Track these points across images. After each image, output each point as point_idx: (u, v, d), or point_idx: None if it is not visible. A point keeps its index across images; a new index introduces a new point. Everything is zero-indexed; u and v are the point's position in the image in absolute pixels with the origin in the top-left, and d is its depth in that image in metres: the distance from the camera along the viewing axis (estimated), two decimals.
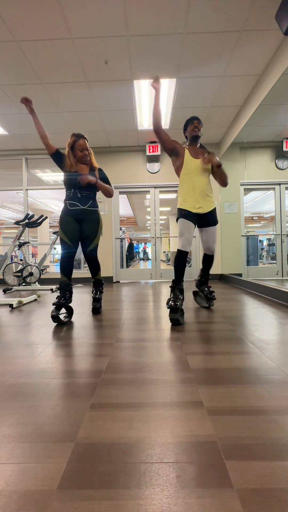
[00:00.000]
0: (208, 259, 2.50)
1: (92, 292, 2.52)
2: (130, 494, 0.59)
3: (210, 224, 2.35)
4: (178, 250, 2.22)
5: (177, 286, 2.15)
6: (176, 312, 2.02)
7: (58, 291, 2.34)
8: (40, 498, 0.59)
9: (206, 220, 2.33)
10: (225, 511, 0.55)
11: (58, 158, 2.34)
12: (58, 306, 2.14)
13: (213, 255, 2.47)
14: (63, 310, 2.32)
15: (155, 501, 0.58)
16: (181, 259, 2.20)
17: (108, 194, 2.36)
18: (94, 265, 2.43)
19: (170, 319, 2.01)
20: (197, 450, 0.72)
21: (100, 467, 0.67)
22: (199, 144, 2.39)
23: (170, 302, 2.06)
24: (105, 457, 0.71)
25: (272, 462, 0.68)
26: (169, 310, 2.16)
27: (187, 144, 2.38)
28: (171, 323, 2.02)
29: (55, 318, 2.11)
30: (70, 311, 2.30)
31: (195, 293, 2.74)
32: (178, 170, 2.34)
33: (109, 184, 2.39)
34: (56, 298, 2.19)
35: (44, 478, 0.64)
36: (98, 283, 2.52)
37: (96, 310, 2.44)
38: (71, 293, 2.27)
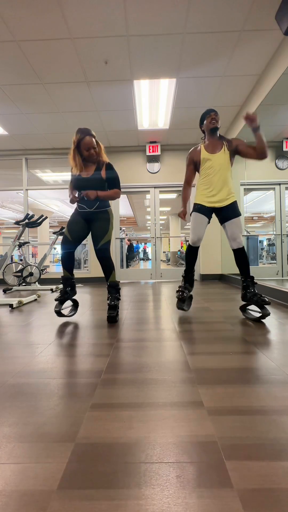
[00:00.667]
0: (239, 255, 2.16)
1: (108, 299, 2.26)
2: (130, 494, 0.59)
3: (232, 217, 2.16)
4: (188, 244, 2.30)
5: (187, 276, 2.34)
6: (183, 302, 2.29)
7: (59, 289, 2.31)
8: (40, 498, 0.59)
9: (227, 213, 2.17)
10: (225, 511, 0.55)
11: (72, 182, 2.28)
12: (61, 301, 2.19)
13: (243, 248, 2.16)
14: (68, 304, 2.42)
15: (155, 501, 0.58)
16: (191, 253, 2.30)
17: (112, 199, 2.26)
18: (105, 265, 2.25)
19: (177, 307, 2.31)
20: (197, 450, 0.72)
21: (100, 467, 0.67)
22: (218, 136, 2.26)
23: (179, 292, 2.31)
24: (105, 457, 0.71)
25: (272, 462, 0.68)
26: (177, 299, 2.33)
27: (205, 138, 2.29)
28: (177, 308, 2.33)
29: (58, 313, 2.17)
30: (75, 304, 2.36)
31: (242, 308, 2.25)
32: (198, 169, 2.32)
33: (117, 182, 2.25)
34: (59, 293, 2.24)
35: (44, 478, 0.64)
36: (113, 287, 2.27)
37: (112, 318, 2.15)
38: (73, 287, 2.28)
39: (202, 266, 5.27)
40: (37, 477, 0.65)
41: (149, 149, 5.13)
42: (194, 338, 1.67)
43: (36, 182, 6.16)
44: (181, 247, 15.10)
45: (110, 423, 0.85)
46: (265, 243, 9.23)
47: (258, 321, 2.04)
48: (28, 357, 1.42)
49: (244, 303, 2.22)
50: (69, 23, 2.47)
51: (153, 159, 5.27)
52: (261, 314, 2.02)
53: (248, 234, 6.70)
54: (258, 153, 2.08)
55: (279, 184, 5.29)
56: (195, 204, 2.28)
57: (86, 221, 2.26)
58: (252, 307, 2.27)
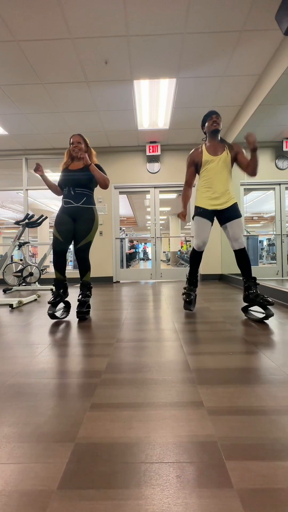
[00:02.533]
0: (241, 256, 2.15)
1: (79, 295, 2.29)
2: (130, 494, 0.59)
3: (234, 218, 2.16)
4: (193, 249, 2.33)
5: (191, 279, 2.44)
6: (189, 304, 2.41)
7: (52, 292, 2.30)
8: (40, 498, 0.59)
9: (228, 214, 2.17)
10: (225, 511, 0.55)
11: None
12: (53, 303, 2.18)
13: (245, 249, 2.16)
14: (60, 306, 2.36)
15: (155, 501, 0.58)
16: (195, 257, 2.36)
17: (103, 182, 2.28)
18: (82, 264, 2.29)
19: (184, 308, 2.45)
20: (197, 450, 0.72)
21: (100, 467, 0.67)
22: (219, 138, 2.27)
23: (185, 296, 2.44)
24: (105, 457, 0.71)
25: (272, 462, 0.68)
26: (184, 302, 2.46)
27: (206, 140, 2.29)
28: (184, 309, 2.47)
29: (52, 316, 2.16)
30: (67, 306, 2.33)
31: (245, 310, 2.24)
32: (199, 170, 2.33)
33: (105, 173, 2.32)
34: (52, 295, 2.22)
35: (44, 478, 0.64)
36: (85, 286, 2.32)
37: (80, 314, 2.19)
38: (65, 289, 2.29)
39: (202, 266, 5.27)
40: (37, 477, 0.65)
41: (149, 149, 5.12)
42: (194, 338, 1.67)
43: (36, 182, 6.15)
44: (181, 247, 15.10)
45: (110, 423, 0.85)
46: (265, 243, 9.23)
47: (260, 321, 2.03)
48: (28, 357, 1.42)
49: (246, 304, 2.21)
50: (69, 23, 2.47)
51: (153, 159, 5.27)
52: (264, 315, 2.00)
53: (248, 234, 6.70)
54: (250, 170, 2.09)
55: (279, 184, 5.29)
56: (197, 208, 2.27)
57: (72, 218, 2.27)
58: (255, 308, 2.26)
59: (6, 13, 2.37)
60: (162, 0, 2.28)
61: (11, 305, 2.83)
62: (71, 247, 2.59)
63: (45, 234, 11.39)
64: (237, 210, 2.19)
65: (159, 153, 5.13)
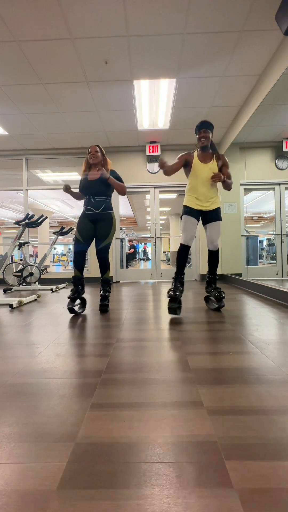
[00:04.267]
0: (212, 257, 2.51)
1: (100, 291, 2.56)
2: (130, 494, 0.59)
3: (214, 220, 2.43)
4: (180, 244, 2.39)
5: (178, 278, 2.35)
6: (174, 302, 2.22)
7: (71, 288, 2.50)
8: (40, 498, 0.59)
9: (210, 216, 2.43)
10: (225, 511, 0.55)
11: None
12: (72, 299, 2.39)
13: (217, 251, 2.49)
14: (77, 302, 2.56)
15: (155, 501, 0.58)
16: (183, 253, 2.37)
17: (121, 190, 2.49)
18: (103, 264, 2.52)
19: (168, 307, 2.24)
20: (197, 450, 0.72)
21: (100, 467, 0.67)
22: (209, 148, 2.42)
23: (170, 292, 2.26)
24: (105, 457, 0.71)
25: (272, 462, 0.68)
26: (168, 299, 2.26)
27: (198, 148, 2.45)
28: (168, 312, 2.24)
29: (71, 310, 2.37)
30: (83, 302, 2.58)
31: (206, 299, 2.66)
32: (187, 173, 2.47)
33: (122, 181, 2.51)
34: (71, 291, 2.42)
35: (44, 478, 0.64)
36: (106, 282, 2.56)
37: (104, 307, 2.50)
38: (83, 286, 2.50)
39: (202, 266, 5.27)
40: (37, 477, 0.65)
41: (149, 149, 5.12)
42: (194, 338, 1.67)
43: (36, 182, 6.16)
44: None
45: (110, 423, 0.85)
46: (265, 243, 9.23)
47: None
48: (28, 357, 1.42)
49: (206, 294, 2.65)
50: (69, 23, 2.48)
51: (153, 159, 5.27)
52: (217, 306, 2.46)
53: (248, 234, 6.70)
54: (224, 187, 2.40)
55: (279, 184, 5.29)
56: (184, 207, 2.45)
57: (92, 223, 2.50)
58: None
59: (6, 13, 2.37)
60: (162, 0, 2.28)
61: (11, 305, 2.83)
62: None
63: (45, 234, 11.39)
64: (219, 214, 2.46)
65: (159, 153, 5.13)
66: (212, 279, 2.56)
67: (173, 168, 2.36)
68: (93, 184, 2.45)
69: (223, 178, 2.28)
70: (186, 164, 2.43)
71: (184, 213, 2.43)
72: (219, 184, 2.45)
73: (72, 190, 2.50)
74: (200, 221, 2.50)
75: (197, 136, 2.39)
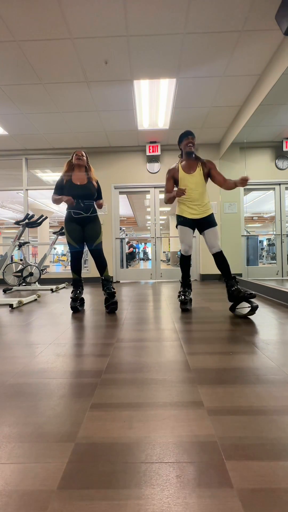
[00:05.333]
0: (219, 259, 2.33)
1: (105, 290, 2.53)
2: (130, 494, 0.59)
3: (210, 226, 2.44)
4: (181, 254, 2.53)
5: (184, 283, 2.57)
6: (185, 304, 2.50)
7: (72, 290, 2.68)
8: (40, 498, 0.59)
9: (204, 224, 2.45)
10: (225, 511, 0.55)
11: (60, 189, 2.56)
12: (74, 298, 2.56)
13: (221, 252, 2.35)
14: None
15: (155, 501, 0.58)
16: (185, 262, 2.53)
17: (100, 206, 2.66)
18: (100, 261, 2.57)
19: (181, 309, 2.49)
20: (197, 450, 0.72)
21: (100, 467, 0.67)
22: (194, 157, 2.48)
23: (181, 296, 2.53)
24: (105, 457, 0.71)
25: (272, 462, 0.68)
26: (180, 302, 2.55)
27: (182, 157, 2.52)
28: (182, 311, 2.44)
29: (74, 308, 2.53)
30: (82, 301, 2.71)
31: (232, 309, 2.33)
32: (175, 186, 2.54)
33: (101, 196, 2.69)
34: (72, 292, 2.60)
35: (44, 478, 0.64)
36: (107, 280, 2.57)
37: (113, 305, 2.46)
38: (82, 287, 2.67)
39: (202, 266, 5.27)
40: (37, 477, 0.65)
41: (149, 149, 5.12)
42: (194, 338, 1.67)
43: (36, 182, 6.16)
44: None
45: (110, 423, 0.85)
46: (265, 243, 9.23)
47: (246, 317, 2.17)
48: (28, 357, 1.42)
49: (231, 303, 2.32)
50: (69, 23, 2.47)
51: (153, 159, 5.27)
52: (250, 308, 2.12)
53: (248, 234, 6.70)
54: (226, 187, 2.39)
55: (279, 184, 5.29)
56: (178, 217, 2.53)
57: (80, 225, 2.57)
58: (241, 304, 2.32)
59: (6, 13, 2.37)
60: (162, 0, 2.28)
61: (11, 305, 2.83)
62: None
63: (45, 234, 11.39)
64: (213, 220, 2.45)
65: (159, 153, 5.13)
66: (233, 282, 2.25)
67: (170, 192, 2.50)
68: (82, 188, 2.50)
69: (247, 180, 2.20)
70: (175, 181, 2.51)
71: (178, 223, 2.52)
72: (217, 187, 2.52)
73: (55, 197, 2.51)
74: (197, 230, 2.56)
75: (184, 143, 2.45)
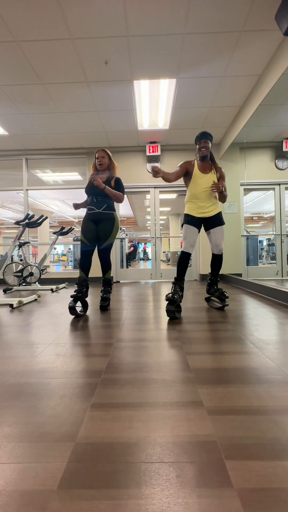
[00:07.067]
0: (216, 260, 2.59)
1: (101, 291, 2.64)
2: (130, 494, 0.59)
3: (217, 225, 2.49)
4: (181, 251, 2.48)
5: (177, 283, 2.36)
6: (172, 305, 2.19)
7: (74, 289, 2.59)
8: (40, 498, 0.59)
9: (212, 222, 2.50)
10: (225, 511, 0.55)
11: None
12: (75, 298, 2.37)
13: (221, 255, 2.56)
14: (78, 304, 2.57)
15: (155, 501, 0.58)
16: (183, 259, 2.43)
17: (117, 199, 2.55)
18: (104, 264, 2.59)
19: (166, 310, 2.20)
20: (197, 450, 0.72)
21: (100, 467, 0.67)
22: (208, 159, 2.50)
23: (169, 295, 2.25)
24: (105, 457, 0.71)
25: (272, 462, 0.68)
26: (167, 302, 2.24)
27: (198, 158, 2.52)
28: (167, 315, 2.19)
29: (72, 309, 2.32)
30: (85, 306, 2.50)
31: (207, 299, 2.81)
32: (187, 182, 2.54)
33: (122, 190, 2.59)
34: (74, 291, 2.42)
35: (44, 478, 0.64)
36: (107, 282, 2.64)
37: (103, 307, 2.57)
38: (87, 288, 2.49)
39: (202, 266, 5.27)
40: (37, 477, 0.65)
41: (149, 149, 5.12)
42: (194, 338, 1.67)
43: (36, 182, 6.16)
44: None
45: (110, 423, 0.85)
46: (265, 243, 9.23)
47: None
48: (28, 357, 1.42)
49: (208, 296, 2.80)
50: (69, 23, 2.48)
51: (153, 159, 5.27)
52: (221, 306, 2.55)
53: (248, 234, 6.70)
54: (219, 198, 2.52)
55: (279, 184, 5.29)
56: (186, 215, 2.52)
57: (94, 223, 2.54)
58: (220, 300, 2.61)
59: (6, 13, 2.37)
60: (162, 0, 2.28)
61: (11, 305, 2.83)
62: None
63: (45, 234, 11.39)
64: (221, 219, 2.51)
65: (159, 153, 5.13)
66: (214, 281, 2.68)
67: (174, 175, 2.44)
68: (96, 187, 2.50)
69: (221, 188, 2.35)
70: (186, 173, 2.51)
71: (184, 222, 2.51)
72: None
73: (77, 203, 2.62)
74: (202, 228, 2.58)
75: (197, 146, 2.47)
